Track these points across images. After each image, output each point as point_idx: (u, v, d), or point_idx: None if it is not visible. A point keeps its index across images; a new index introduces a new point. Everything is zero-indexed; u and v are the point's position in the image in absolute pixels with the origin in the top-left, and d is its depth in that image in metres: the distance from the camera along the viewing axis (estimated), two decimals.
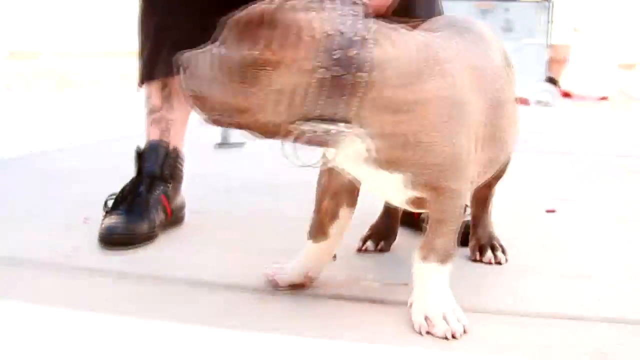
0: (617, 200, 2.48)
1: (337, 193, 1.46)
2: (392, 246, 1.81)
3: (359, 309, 1.41)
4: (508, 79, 1.51)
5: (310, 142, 1.21)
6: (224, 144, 3.79)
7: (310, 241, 1.50)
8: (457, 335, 1.27)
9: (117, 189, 1.95)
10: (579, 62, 9.98)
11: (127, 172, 2.00)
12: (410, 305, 1.34)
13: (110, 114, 5.58)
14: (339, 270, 1.62)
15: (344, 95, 1.16)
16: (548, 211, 2.28)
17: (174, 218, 1.98)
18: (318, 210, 1.49)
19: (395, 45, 1.21)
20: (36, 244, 1.79)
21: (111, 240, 1.78)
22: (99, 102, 6.21)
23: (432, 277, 1.33)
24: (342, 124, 1.18)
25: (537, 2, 8.61)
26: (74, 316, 1.32)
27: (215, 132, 3.87)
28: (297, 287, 1.50)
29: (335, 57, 1.15)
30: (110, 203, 1.91)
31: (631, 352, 1.22)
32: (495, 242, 1.74)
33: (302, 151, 1.25)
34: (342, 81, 1.15)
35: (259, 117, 1.18)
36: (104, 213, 1.87)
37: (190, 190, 2.10)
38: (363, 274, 1.61)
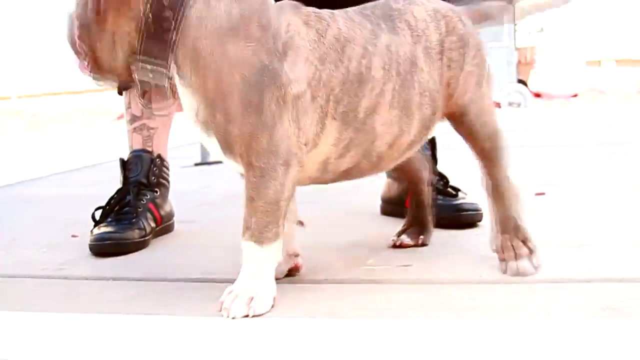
0: (602, 180, 2.50)
1: None
2: (385, 234, 1.78)
3: (363, 290, 1.38)
4: (407, 62, 1.40)
5: (145, 83, 1.35)
6: (203, 162, 3.77)
7: None
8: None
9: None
10: (546, 62, 10.08)
11: (106, 195, 1.96)
12: None
13: (81, 145, 5.53)
14: (337, 260, 1.60)
15: (160, 40, 1.28)
16: (537, 194, 2.27)
17: (164, 225, 1.94)
18: None
19: (211, 8, 1.28)
20: (26, 262, 1.74)
21: (102, 249, 1.74)
22: (69, 136, 6.15)
23: (247, 256, 1.31)
24: (161, 65, 1.31)
25: (500, 5, 8.70)
26: (71, 320, 1.28)
27: (195, 152, 3.86)
28: (292, 272, 1.48)
29: (154, 9, 1.28)
30: (98, 215, 1.87)
31: None
32: None
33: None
34: (159, 27, 1.28)
35: (101, 56, 1.32)
36: (93, 225, 1.83)
37: (175, 204, 2.06)
38: (362, 261, 1.58)
